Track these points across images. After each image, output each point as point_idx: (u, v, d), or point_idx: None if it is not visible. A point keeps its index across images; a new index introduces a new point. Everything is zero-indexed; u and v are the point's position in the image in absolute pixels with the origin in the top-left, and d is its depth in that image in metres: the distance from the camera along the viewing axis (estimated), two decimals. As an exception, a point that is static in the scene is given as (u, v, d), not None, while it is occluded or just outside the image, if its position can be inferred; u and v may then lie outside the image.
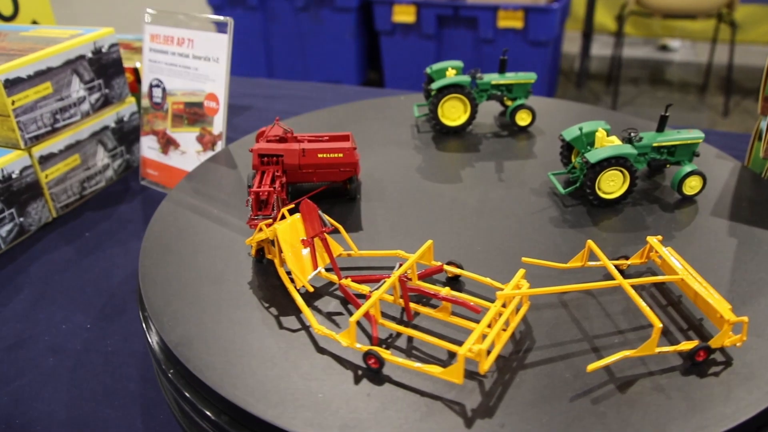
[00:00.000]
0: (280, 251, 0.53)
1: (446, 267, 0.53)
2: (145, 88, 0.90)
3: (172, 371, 0.49)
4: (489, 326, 0.46)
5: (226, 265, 0.58)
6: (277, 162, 0.66)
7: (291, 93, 1.26)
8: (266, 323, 0.51)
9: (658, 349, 0.44)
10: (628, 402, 0.43)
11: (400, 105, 0.93)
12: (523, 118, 0.83)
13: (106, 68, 0.90)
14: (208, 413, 0.45)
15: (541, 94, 2.80)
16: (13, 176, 0.80)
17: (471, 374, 0.45)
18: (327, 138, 0.68)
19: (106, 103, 0.91)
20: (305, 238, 0.54)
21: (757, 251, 0.57)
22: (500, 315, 0.46)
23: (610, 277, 0.55)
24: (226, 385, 0.45)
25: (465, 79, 0.80)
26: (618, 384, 0.44)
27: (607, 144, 0.66)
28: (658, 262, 0.54)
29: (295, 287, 0.53)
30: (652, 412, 0.42)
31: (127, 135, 0.96)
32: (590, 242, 0.53)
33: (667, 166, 0.69)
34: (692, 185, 0.66)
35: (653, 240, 0.54)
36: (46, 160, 0.84)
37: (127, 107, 0.95)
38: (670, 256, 0.52)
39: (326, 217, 0.57)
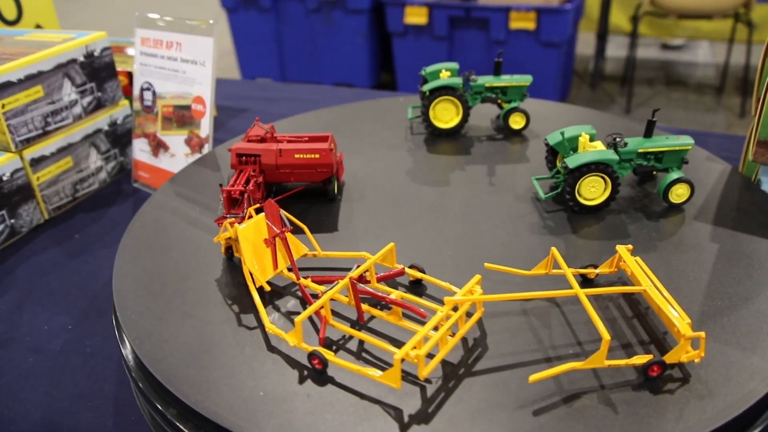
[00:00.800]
0: (241, 250, 0.54)
1: (408, 270, 0.53)
2: (136, 91, 0.91)
3: (131, 363, 0.50)
4: (436, 330, 0.46)
5: (197, 263, 0.59)
6: (255, 162, 0.67)
7: (291, 96, 1.26)
8: (227, 320, 0.52)
9: (608, 362, 0.43)
10: (570, 415, 0.42)
11: (398, 107, 0.93)
12: (516, 122, 0.82)
13: (98, 72, 0.91)
14: (158, 405, 0.46)
15: (554, 96, 2.79)
16: (4, 179, 0.81)
17: (418, 380, 0.45)
18: (306, 139, 0.69)
19: (98, 106, 0.92)
20: (267, 238, 0.54)
21: (737, 264, 0.56)
22: (448, 320, 0.46)
23: (585, 282, 0.54)
24: (175, 380, 0.46)
25: (456, 81, 0.79)
26: (564, 396, 0.43)
27: (590, 149, 0.65)
28: (628, 271, 0.53)
29: (255, 286, 0.53)
30: (594, 427, 0.41)
31: (120, 138, 0.97)
32: (554, 249, 0.52)
33: (654, 173, 0.67)
34: (679, 193, 0.65)
35: (622, 249, 0.53)
36: (37, 162, 0.85)
37: (120, 110, 0.96)
38: (636, 265, 0.51)
39: (289, 218, 0.57)
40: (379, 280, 0.52)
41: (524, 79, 0.82)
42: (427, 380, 0.45)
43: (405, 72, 3.05)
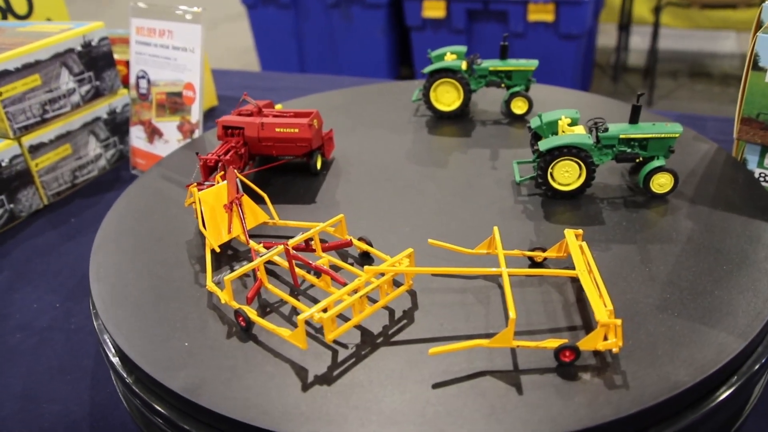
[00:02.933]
0: (201, 214, 0.57)
1: (355, 242, 0.55)
2: (132, 79, 0.93)
3: (97, 326, 0.53)
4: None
5: (173, 234, 0.62)
6: (239, 134, 0.70)
7: (294, 85, 1.27)
8: (182, 279, 0.56)
9: (516, 343, 0.43)
10: (468, 392, 0.42)
11: (410, 90, 0.94)
12: (519, 107, 0.82)
13: (96, 61, 0.93)
14: (105, 349, 0.51)
15: (574, 88, 2.76)
16: (3, 164, 0.84)
17: (340, 345, 0.47)
18: (292, 114, 0.71)
19: (97, 94, 0.94)
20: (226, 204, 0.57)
21: (704, 257, 0.54)
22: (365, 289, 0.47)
23: (533, 264, 0.54)
24: (120, 329, 0.51)
25: (456, 63, 0.79)
26: (470, 373, 0.43)
27: (569, 132, 0.64)
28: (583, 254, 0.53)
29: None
30: (488, 406, 0.41)
31: (119, 126, 0.99)
32: (495, 229, 0.52)
33: (637, 161, 0.65)
34: (661, 182, 0.63)
35: (569, 232, 0.52)
36: (36, 149, 0.87)
37: (119, 99, 0.98)
38: (577, 250, 0.50)
39: (250, 186, 0.62)
40: (324, 250, 0.54)
41: (529, 64, 0.82)
42: (343, 345, 0.46)
43: (424, 66, 3.04)
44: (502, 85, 0.83)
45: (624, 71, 3.24)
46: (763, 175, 0.69)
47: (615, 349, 0.43)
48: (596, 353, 0.45)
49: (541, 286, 0.52)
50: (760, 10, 0.73)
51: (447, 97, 0.82)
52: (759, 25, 0.68)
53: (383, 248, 0.58)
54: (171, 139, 0.89)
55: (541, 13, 2.69)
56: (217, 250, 0.56)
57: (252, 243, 0.55)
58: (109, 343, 0.51)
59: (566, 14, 2.65)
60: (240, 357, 0.46)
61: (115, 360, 0.50)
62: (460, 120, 0.83)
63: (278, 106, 0.82)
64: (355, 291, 0.47)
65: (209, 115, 1.14)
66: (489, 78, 0.83)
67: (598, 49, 3.26)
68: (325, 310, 0.45)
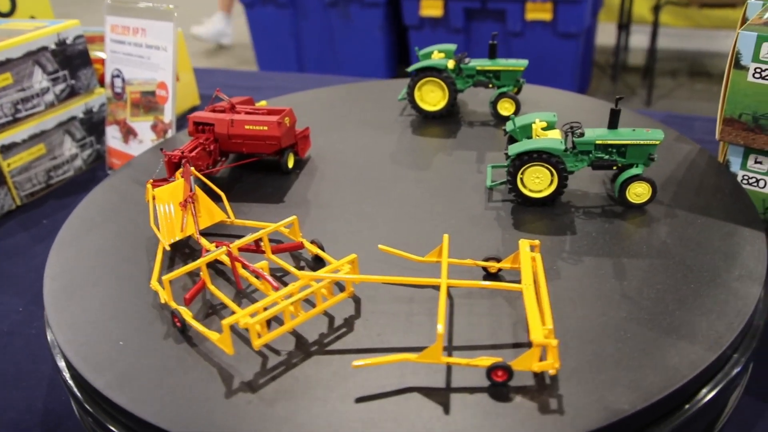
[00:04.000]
0: (154, 210, 0.57)
1: (307, 245, 0.53)
2: (107, 78, 0.91)
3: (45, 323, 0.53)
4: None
5: (133, 232, 0.62)
6: (210, 131, 0.68)
7: (279, 85, 1.25)
8: (135, 277, 0.55)
9: (446, 360, 0.41)
10: (382, 408, 0.40)
11: (399, 88, 0.92)
12: (506, 108, 0.79)
13: (71, 59, 0.91)
14: (54, 353, 0.50)
15: (572, 88, 2.73)
16: (-27, 164, 0.82)
17: (272, 351, 0.45)
18: (264, 112, 0.69)
19: (72, 93, 0.92)
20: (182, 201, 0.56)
21: (673, 274, 0.51)
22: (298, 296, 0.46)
23: (488, 276, 0.52)
24: (55, 313, 0.51)
25: (441, 62, 0.77)
26: (397, 388, 0.41)
27: (542, 136, 0.61)
28: (534, 267, 0.50)
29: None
30: (392, 421, 0.39)
31: (96, 125, 0.97)
32: (445, 237, 0.50)
33: (614, 168, 0.61)
34: (638, 192, 0.59)
35: (524, 243, 0.49)
36: (8, 149, 0.85)
37: (96, 98, 0.96)
38: (528, 262, 0.47)
39: (207, 183, 0.61)
40: (274, 251, 0.53)
41: (518, 64, 0.79)
42: (276, 352, 0.45)
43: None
44: (490, 85, 0.80)
45: (623, 71, 3.21)
46: (746, 177, 0.67)
47: (552, 371, 0.41)
48: (537, 374, 0.42)
49: (492, 299, 0.49)
50: (745, 6, 0.70)
51: (432, 97, 0.80)
52: (744, 23, 0.66)
53: (341, 251, 0.56)
54: (145, 138, 0.87)
55: (539, 12, 2.66)
56: (168, 248, 0.55)
57: (204, 242, 0.53)
58: (51, 340, 0.51)
59: (564, 13, 2.63)
60: (172, 358, 0.45)
61: (58, 358, 0.49)
62: (447, 120, 0.81)
63: (262, 103, 0.80)
64: (290, 296, 0.45)
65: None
66: (477, 78, 0.80)
67: (597, 49, 3.23)
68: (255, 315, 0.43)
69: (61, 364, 0.49)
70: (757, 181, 0.66)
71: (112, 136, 0.92)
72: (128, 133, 0.90)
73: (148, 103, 0.86)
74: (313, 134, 0.79)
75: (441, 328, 0.39)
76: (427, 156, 0.72)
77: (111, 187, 0.70)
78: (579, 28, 2.63)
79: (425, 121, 0.81)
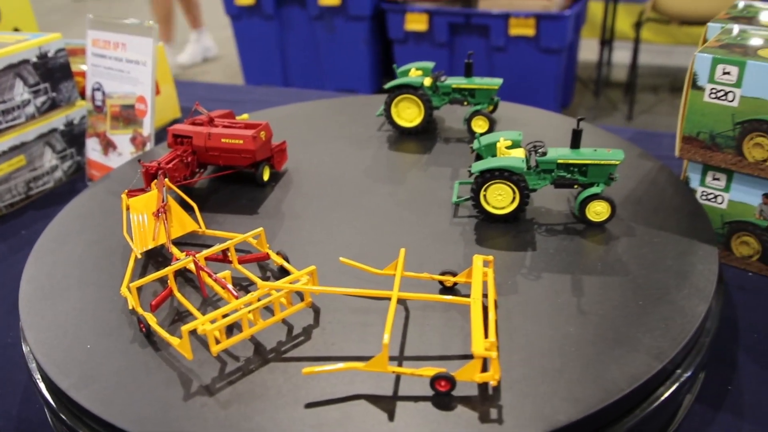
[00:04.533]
0: (127, 219, 0.60)
1: (273, 256, 0.56)
2: (88, 91, 0.93)
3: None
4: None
5: (107, 242, 0.64)
6: (188, 143, 0.71)
7: (260, 99, 1.27)
8: (108, 286, 0.57)
9: (391, 369, 0.43)
10: (328, 414, 0.42)
11: (379, 104, 0.94)
12: (479, 125, 0.81)
13: (52, 72, 0.93)
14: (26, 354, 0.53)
15: (554, 103, 2.77)
16: (-47, 175, 0.83)
17: (232, 357, 0.48)
18: (242, 125, 0.72)
19: (53, 106, 0.94)
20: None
21: (622, 291, 0.53)
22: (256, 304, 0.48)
23: (444, 290, 0.54)
24: (28, 320, 0.54)
25: (417, 80, 0.79)
26: (344, 396, 0.43)
27: (505, 155, 0.64)
28: (488, 281, 0.52)
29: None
30: (337, 426, 0.41)
31: (77, 137, 0.99)
32: (402, 251, 0.52)
33: (575, 186, 0.63)
34: (597, 211, 0.61)
35: (478, 258, 0.51)
36: (-12, 160, 0.87)
37: (78, 110, 0.98)
38: (479, 277, 0.49)
39: (180, 194, 0.64)
40: (241, 262, 0.56)
41: (493, 83, 0.81)
42: (235, 358, 0.47)
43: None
44: (465, 103, 0.83)
45: (606, 86, 3.26)
46: (705, 193, 0.69)
47: (493, 382, 0.43)
48: (482, 384, 0.44)
49: (446, 312, 0.51)
50: (706, 28, 0.73)
51: (408, 113, 0.82)
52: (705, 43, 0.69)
53: (308, 262, 0.58)
54: (124, 151, 0.89)
55: (522, 28, 2.71)
56: (140, 256, 0.57)
57: (175, 251, 0.56)
58: (23, 341, 0.53)
59: (547, 29, 2.67)
60: (136, 362, 0.48)
61: (29, 359, 0.52)
62: (424, 136, 0.83)
63: (244, 116, 0.82)
64: (250, 304, 0.48)
65: (172, 127, 1.13)
66: (452, 95, 0.82)
67: (580, 64, 3.28)
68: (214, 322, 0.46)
69: (32, 365, 0.51)
70: (715, 196, 0.69)
71: (92, 149, 0.94)
72: (108, 145, 0.91)
73: (128, 116, 0.88)
74: (292, 148, 0.81)
75: (387, 338, 0.41)
76: (400, 171, 0.74)
77: (89, 198, 0.72)
78: (561, 44, 2.68)
79: (402, 136, 0.83)
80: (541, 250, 0.59)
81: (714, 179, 0.68)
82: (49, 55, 0.92)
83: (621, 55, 3.48)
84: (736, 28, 0.70)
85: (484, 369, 0.44)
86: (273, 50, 3.19)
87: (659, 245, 0.59)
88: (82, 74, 1.02)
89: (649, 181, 0.70)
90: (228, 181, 0.74)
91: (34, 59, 0.91)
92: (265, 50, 3.20)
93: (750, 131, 0.63)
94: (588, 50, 3.46)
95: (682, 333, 0.48)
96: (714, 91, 0.64)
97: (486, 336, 0.45)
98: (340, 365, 0.43)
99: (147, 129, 0.86)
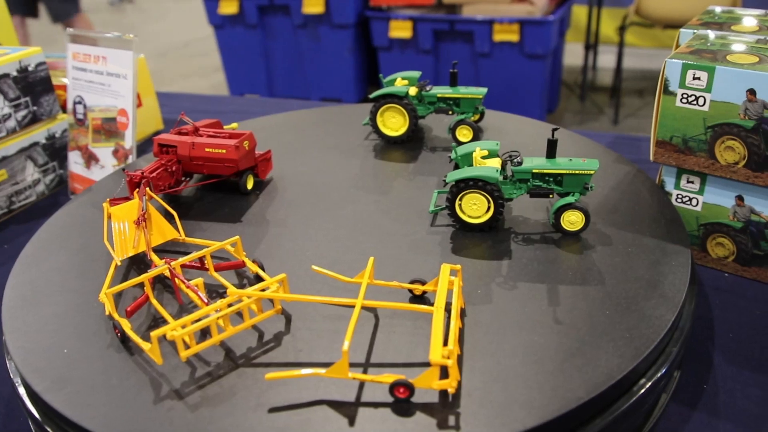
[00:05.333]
0: (108, 227, 0.62)
1: (248, 264, 0.58)
2: (69, 105, 0.94)
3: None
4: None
5: (89, 254, 0.65)
6: (173, 152, 0.73)
7: (241, 109, 1.29)
8: (90, 292, 0.59)
9: (352, 375, 0.44)
10: (289, 419, 0.44)
11: (366, 113, 0.96)
12: (464, 134, 0.82)
13: (33, 86, 0.94)
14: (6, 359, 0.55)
15: (540, 108, 2.80)
16: (-66, 191, 0.84)
17: (204, 362, 0.50)
18: (226, 135, 0.74)
19: (34, 120, 0.95)
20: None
21: (590, 301, 0.54)
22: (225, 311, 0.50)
23: (414, 298, 0.56)
24: (9, 325, 0.56)
25: (402, 89, 0.81)
26: (309, 401, 0.45)
27: (481, 165, 0.65)
28: (455, 290, 0.53)
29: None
30: (300, 429, 0.43)
31: (59, 151, 1.00)
32: (372, 259, 0.54)
33: (550, 196, 0.65)
34: (572, 220, 0.62)
35: (446, 267, 0.53)
36: (-31, 175, 0.88)
37: (59, 123, 0.99)
38: (444, 286, 0.51)
39: (161, 203, 0.67)
40: (217, 269, 0.58)
41: (478, 92, 0.82)
42: (206, 363, 0.49)
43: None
44: (450, 112, 0.84)
45: (591, 90, 3.30)
46: (680, 196, 0.72)
47: (450, 390, 0.44)
48: (443, 391, 0.45)
49: (415, 320, 0.53)
50: (678, 34, 0.76)
51: (393, 123, 0.84)
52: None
53: (283, 270, 0.60)
54: (107, 164, 0.90)
55: (506, 33, 2.74)
56: (119, 263, 0.60)
57: (155, 258, 0.58)
58: (4, 346, 0.55)
59: (531, 34, 2.70)
60: (110, 366, 0.50)
61: (10, 365, 0.54)
62: (410, 145, 0.85)
63: (234, 125, 0.84)
64: (220, 311, 0.50)
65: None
66: (437, 105, 0.84)
67: (566, 69, 3.32)
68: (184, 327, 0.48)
69: (13, 369, 0.53)
70: (690, 199, 0.71)
71: (75, 162, 0.95)
72: (90, 158, 0.93)
73: (110, 129, 0.89)
74: (278, 157, 0.83)
75: (347, 345, 0.43)
76: (384, 180, 0.76)
77: (72, 211, 0.73)
78: (546, 49, 2.71)
79: (388, 145, 0.85)
80: (515, 260, 0.60)
81: (688, 182, 0.71)
82: (30, 68, 0.93)
83: (606, 59, 3.52)
84: (711, 35, 0.72)
85: (446, 376, 0.46)
86: (257, 60, 3.21)
87: (631, 255, 0.60)
88: (63, 87, 1.03)
89: (625, 185, 0.72)
90: (212, 189, 0.76)
91: (14, 73, 0.92)
92: (249, 60, 3.22)
93: (721, 135, 0.65)
94: (573, 55, 3.50)
95: (646, 343, 0.49)
96: (685, 96, 0.66)
97: (445, 344, 0.46)
98: (305, 371, 0.45)
99: (129, 142, 0.87)
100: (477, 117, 0.87)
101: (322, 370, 0.45)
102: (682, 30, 0.75)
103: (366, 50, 3.14)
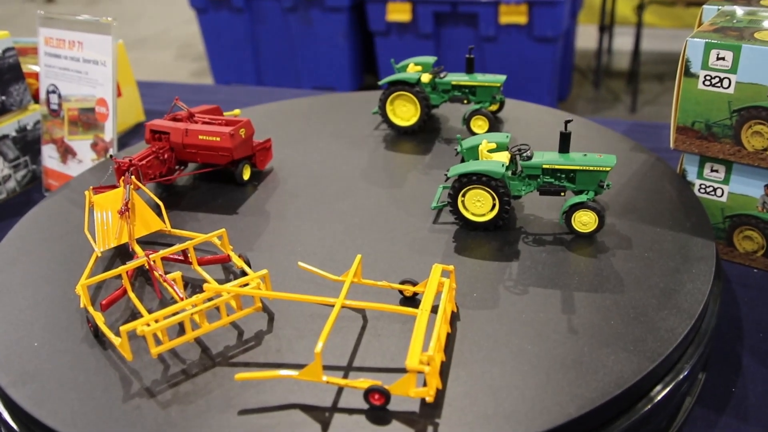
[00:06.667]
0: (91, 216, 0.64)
1: (234, 258, 0.59)
2: (42, 94, 0.95)
3: None
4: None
5: (70, 254, 0.66)
6: (166, 139, 0.74)
7: (228, 99, 1.29)
8: (61, 284, 0.61)
9: (326, 379, 0.45)
10: (261, 422, 0.45)
11: (376, 101, 0.96)
12: (479, 125, 0.82)
13: (1, 74, 0.94)
14: None
15: (551, 95, 2.81)
16: None
17: (179, 359, 0.51)
18: (222, 122, 0.75)
19: (3, 110, 0.96)
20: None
21: (596, 309, 0.54)
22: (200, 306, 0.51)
23: (405, 299, 0.56)
24: None
25: (414, 76, 0.80)
26: (280, 404, 0.46)
27: (487, 159, 0.64)
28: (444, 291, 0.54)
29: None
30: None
31: (31, 144, 1.00)
32: (359, 257, 0.54)
33: (562, 194, 0.64)
34: (584, 221, 0.62)
35: (437, 267, 0.53)
36: (-65, 171, 0.88)
37: (30, 115, 0.99)
38: (433, 288, 0.51)
39: (147, 193, 0.68)
40: (201, 263, 0.59)
41: (495, 80, 0.82)
42: (182, 360, 0.51)
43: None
44: (466, 101, 0.84)
45: (606, 75, 3.31)
46: (703, 186, 0.72)
47: (428, 398, 0.44)
48: (423, 399, 0.46)
49: (404, 323, 0.53)
50: (701, 11, 0.76)
51: (404, 111, 0.84)
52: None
53: (272, 265, 0.61)
54: (85, 158, 0.91)
55: (513, 15, 2.74)
56: (99, 254, 0.61)
57: (138, 250, 0.59)
58: None
59: (540, 15, 2.71)
60: (81, 361, 0.52)
61: None
62: (423, 136, 0.85)
63: (236, 112, 0.86)
64: (195, 306, 0.51)
65: (134, 132, 1.15)
66: (452, 93, 0.83)
67: (577, 53, 3.32)
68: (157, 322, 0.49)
69: None
70: (714, 189, 0.71)
71: (49, 156, 0.96)
72: (66, 152, 0.93)
73: (88, 120, 0.90)
74: (281, 146, 0.84)
75: (320, 347, 0.44)
76: (391, 172, 0.77)
77: (49, 207, 0.74)
78: (557, 32, 2.71)
79: (399, 136, 0.85)
80: (519, 262, 0.60)
81: (712, 171, 0.71)
82: (-1, 56, 0.94)
83: (622, 42, 3.53)
84: (739, 11, 0.72)
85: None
86: (244, 46, 3.21)
87: (649, 260, 0.59)
88: (35, 75, 1.03)
89: (644, 176, 0.73)
90: (208, 179, 0.78)
91: (-17, 61, 0.92)
92: (235, 46, 3.22)
93: (748, 119, 0.66)
94: (586, 37, 3.51)
95: (651, 357, 0.48)
96: (708, 77, 0.66)
97: (425, 349, 0.46)
98: (283, 372, 0.46)
99: (109, 134, 0.87)
100: (496, 107, 0.87)
101: (293, 372, 0.46)
102: (705, 6, 0.76)
103: (361, 35, 3.15)
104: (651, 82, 3.20)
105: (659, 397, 0.48)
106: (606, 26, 3.24)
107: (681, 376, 0.50)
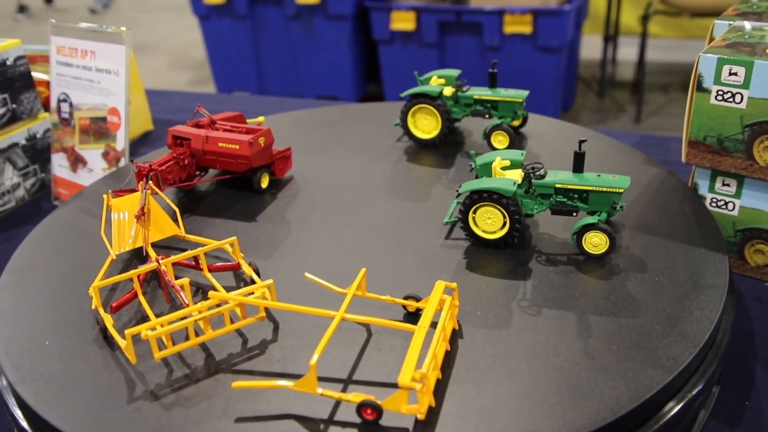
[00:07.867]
0: (108, 219, 0.66)
1: (244, 266, 0.61)
2: (53, 103, 0.96)
3: None
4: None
5: (83, 265, 0.67)
6: (187, 145, 0.76)
7: (235, 107, 1.31)
8: (76, 286, 0.63)
9: (320, 391, 0.46)
10: (251, 430, 0.46)
11: (398, 112, 0.97)
12: (499, 141, 0.83)
13: (11, 82, 0.95)
14: None
15: (555, 106, 2.82)
16: None
17: (183, 363, 0.53)
18: (243, 130, 0.77)
19: (13, 119, 0.97)
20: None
21: (602, 331, 0.54)
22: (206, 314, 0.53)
23: (408, 315, 0.57)
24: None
25: (435, 89, 0.81)
26: (275, 414, 0.48)
27: (500, 176, 0.65)
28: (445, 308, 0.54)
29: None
30: None
31: (41, 152, 1.01)
32: (363, 270, 0.55)
33: (574, 214, 0.64)
34: (595, 242, 0.61)
35: (440, 284, 0.54)
36: (-54, 179, 0.89)
37: (40, 123, 1.00)
38: (433, 304, 0.52)
39: (164, 198, 0.69)
40: (211, 270, 0.61)
41: (518, 95, 0.82)
42: (187, 365, 0.52)
43: (393, 82, 3.10)
44: (487, 115, 0.84)
45: (611, 86, 3.33)
46: (714, 200, 0.73)
47: (419, 416, 0.45)
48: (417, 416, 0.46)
49: (406, 338, 0.54)
50: (712, 26, 0.78)
51: (425, 124, 0.85)
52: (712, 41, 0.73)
53: (281, 274, 0.63)
54: (96, 167, 0.92)
55: (518, 25, 2.76)
56: (114, 257, 0.63)
57: (152, 254, 0.61)
58: None
59: (545, 25, 2.73)
60: (89, 361, 0.53)
61: None
62: (444, 150, 0.85)
63: (260, 119, 0.87)
64: (190, 312, 0.53)
65: (143, 141, 1.16)
66: (474, 107, 0.84)
67: (582, 63, 3.34)
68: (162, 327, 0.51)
69: None
70: (726, 203, 0.73)
71: (59, 165, 0.97)
72: (77, 161, 0.94)
73: (99, 129, 0.91)
74: (301, 155, 0.85)
75: (315, 359, 0.45)
76: (409, 185, 0.78)
77: (59, 221, 0.75)
78: (561, 42, 2.73)
79: (420, 149, 0.86)
80: (528, 282, 0.60)
81: (724, 185, 0.72)
82: (8, 62, 0.95)
83: (627, 52, 3.55)
84: (749, 26, 0.74)
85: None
86: (246, 54, 3.23)
87: (659, 285, 0.59)
88: (45, 84, 1.05)
89: (656, 190, 0.74)
90: (227, 186, 0.80)
91: (-6, 69, 0.93)
92: (238, 54, 3.24)
93: (760, 134, 0.67)
94: (590, 47, 3.53)
95: (649, 386, 0.48)
96: (720, 92, 0.68)
97: (420, 366, 0.47)
98: (281, 382, 0.47)
99: (121, 143, 0.89)
100: (518, 122, 0.87)
101: (289, 383, 0.47)
102: (716, 21, 0.77)
103: (365, 44, 3.16)
104: (656, 93, 3.21)
105: (657, 426, 0.49)
106: (611, 36, 3.26)
107: (670, 414, 0.50)
